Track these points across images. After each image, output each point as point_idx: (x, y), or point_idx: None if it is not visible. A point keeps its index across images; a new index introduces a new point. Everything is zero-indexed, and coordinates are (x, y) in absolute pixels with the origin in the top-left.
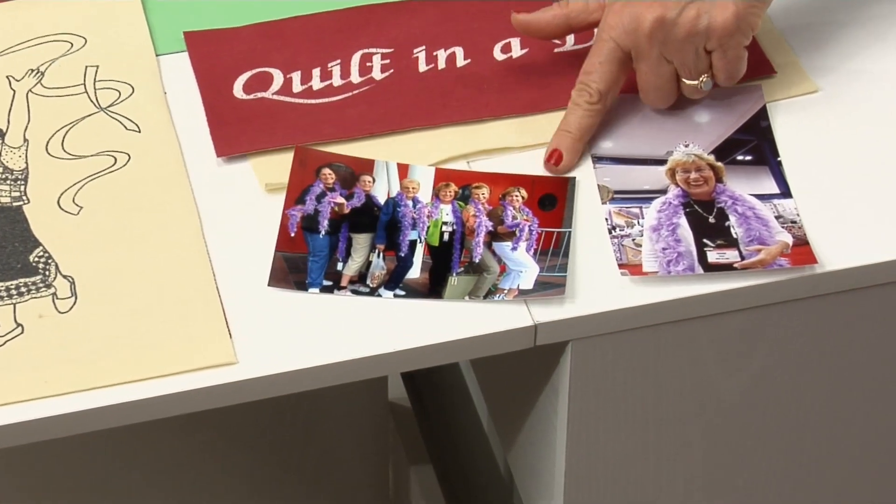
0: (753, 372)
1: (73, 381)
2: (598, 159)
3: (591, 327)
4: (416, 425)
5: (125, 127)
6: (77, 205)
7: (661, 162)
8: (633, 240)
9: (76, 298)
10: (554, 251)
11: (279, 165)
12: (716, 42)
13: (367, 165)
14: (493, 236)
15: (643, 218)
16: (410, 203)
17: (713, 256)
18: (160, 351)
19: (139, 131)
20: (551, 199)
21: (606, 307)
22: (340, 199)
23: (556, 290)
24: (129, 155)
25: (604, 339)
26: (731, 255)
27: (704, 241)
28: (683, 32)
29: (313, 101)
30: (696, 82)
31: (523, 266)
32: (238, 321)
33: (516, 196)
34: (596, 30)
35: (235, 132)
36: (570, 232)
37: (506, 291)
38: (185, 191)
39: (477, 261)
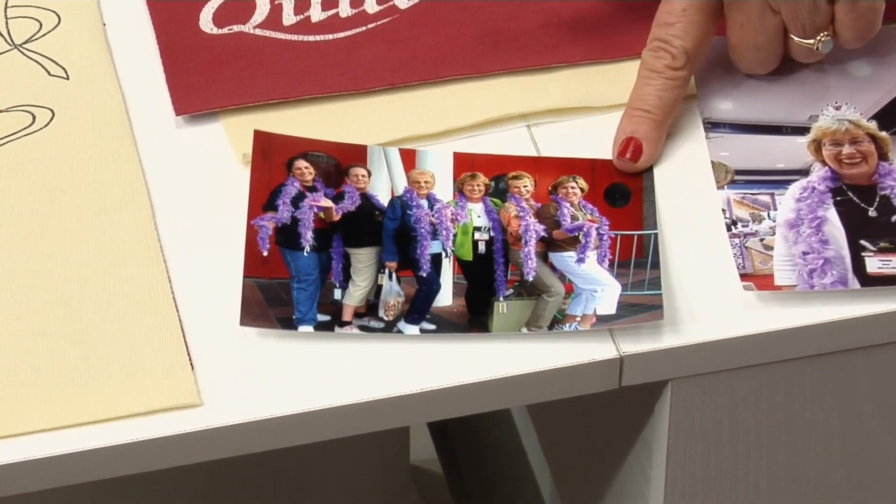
0: None
1: None
2: (712, 125)
3: (700, 362)
4: (448, 496)
5: (48, 71)
6: None
7: (802, 130)
8: (762, 240)
9: None
10: (637, 262)
11: (262, 128)
12: None
13: (358, 153)
14: (549, 244)
15: (775, 209)
16: (424, 202)
17: (874, 264)
18: (94, 388)
19: (67, 78)
20: (622, 190)
21: (721, 334)
22: (326, 202)
23: (651, 313)
24: (52, 111)
25: (717, 379)
26: None
27: (862, 242)
28: None
29: (311, 39)
30: (810, 42)
31: (598, 283)
32: (203, 349)
33: (572, 188)
34: None
35: (202, 81)
36: (656, 234)
37: (579, 319)
38: (130, 162)
39: (530, 279)
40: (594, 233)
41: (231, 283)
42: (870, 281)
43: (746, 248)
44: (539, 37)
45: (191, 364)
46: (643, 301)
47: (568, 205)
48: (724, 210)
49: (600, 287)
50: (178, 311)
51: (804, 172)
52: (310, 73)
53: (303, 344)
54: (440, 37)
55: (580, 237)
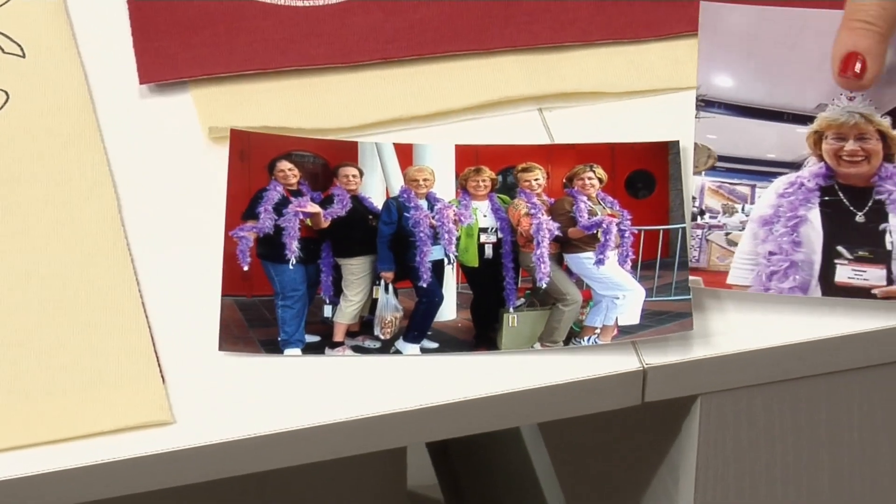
0: None
1: None
2: (705, 104)
3: (733, 375)
4: None
5: (2, 49)
6: None
7: (805, 119)
8: (727, 234)
9: None
10: (664, 262)
11: (236, 101)
12: None
13: (348, 151)
14: (564, 245)
15: (752, 203)
16: (424, 203)
17: (845, 273)
18: (53, 403)
19: (23, 55)
20: (645, 177)
21: (756, 344)
22: (313, 207)
23: (679, 322)
24: (6, 93)
25: (751, 394)
26: (871, 276)
27: (839, 248)
28: None
29: (299, 4)
30: None
31: (619, 288)
32: (176, 359)
33: (589, 179)
34: None
35: (173, 47)
36: (684, 228)
37: (598, 331)
38: (93, 149)
39: (543, 285)
40: (615, 229)
41: (207, 284)
42: (834, 290)
43: (707, 240)
44: (553, 11)
45: (161, 377)
46: (670, 308)
47: (585, 198)
48: (694, 197)
49: (622, 293)
50: (147, 316)
51: (795, 166)
52: (294, 42)
53: (287, 356)
54: (443, 6)
55: (599, 235)
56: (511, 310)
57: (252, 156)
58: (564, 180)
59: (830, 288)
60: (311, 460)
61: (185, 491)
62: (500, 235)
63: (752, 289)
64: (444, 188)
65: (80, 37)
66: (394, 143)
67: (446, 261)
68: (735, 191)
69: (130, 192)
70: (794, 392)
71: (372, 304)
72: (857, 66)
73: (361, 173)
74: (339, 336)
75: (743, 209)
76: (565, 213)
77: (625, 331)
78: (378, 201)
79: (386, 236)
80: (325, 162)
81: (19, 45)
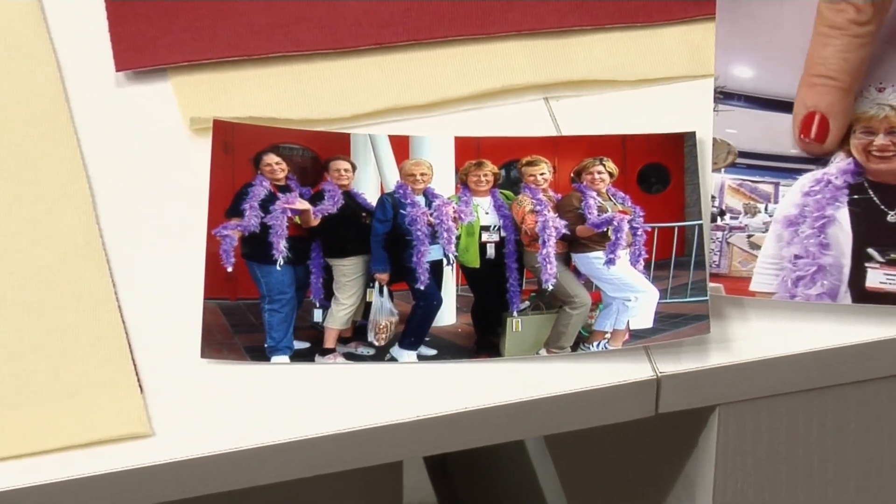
0: None
1: None
2: (724, 96)
3: (753, 384)
4: None
5: None
6: None
7: None
8: (749, 236)
9: None
10: (679, 261)
11: (219, 90)
12: None
13: (339, 143)
14: (571, 244)
15: (776, 202)
16: (421, 199)
17: (876, 278)
18: (24, 413)
19: None
20: (659, 171)
21: (778, 351)
22: (302, 204)
23: (695, 326)
24: None
25: (773, 404)
26: None
27: (869, 251)
28: None
29: None
30: None
31: (631, 290)
32: (155, 367)
33: (599, 173)
34: None
35: (150, 32)
36: (700, 225)
37: (608, 336)
38: (66, 142)
39: (550, 287)
40: (626, 227)
41: (188, 286)
42: (865, 297)
43: (728, 243)
44: None
45: (139, 386)
46: (685, 310)
47: (594, 194)
48: (713, 197)
49: (634, 294)
50: (123, 321)
51: (822, 162)
52: (281, 27)
53: (274, 364)
54: None
55: (609, 233)
56: (515, 313)
57: (237, 148)
58: (572, 175)
59: (861, 294)
60: (300, 476)
61: None
62: (502, 234)
63: (776, 296)
64: (443, 183)
65: (52, 21)
66: (389, 135)
67: (445, 261)
68: (757, 189)
69: (106, 187)
70: (821, 402)
71: (365, 307)
72: (816, 129)
73: (354, 167)
74: (330, 342)
75: (766, 209)
76: (573, 210)
77: (637, 335)
78: (372, 197)
79: (380, 235)
80: (315, 155)
81: None
